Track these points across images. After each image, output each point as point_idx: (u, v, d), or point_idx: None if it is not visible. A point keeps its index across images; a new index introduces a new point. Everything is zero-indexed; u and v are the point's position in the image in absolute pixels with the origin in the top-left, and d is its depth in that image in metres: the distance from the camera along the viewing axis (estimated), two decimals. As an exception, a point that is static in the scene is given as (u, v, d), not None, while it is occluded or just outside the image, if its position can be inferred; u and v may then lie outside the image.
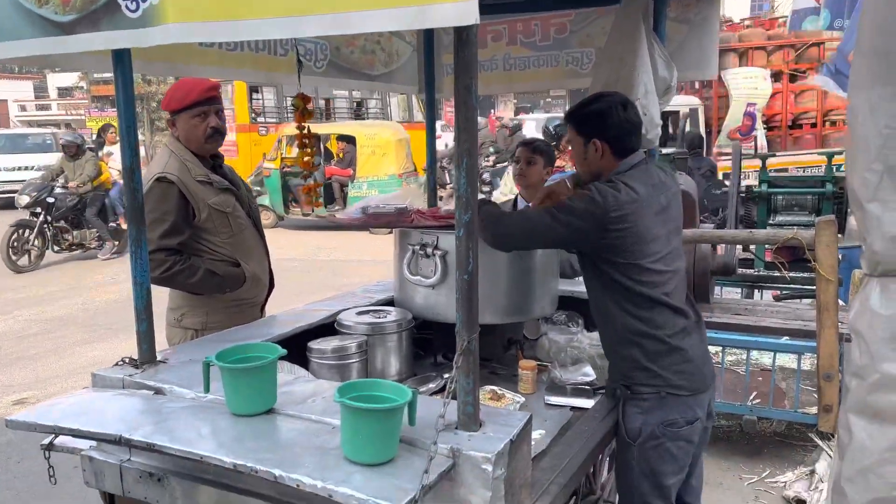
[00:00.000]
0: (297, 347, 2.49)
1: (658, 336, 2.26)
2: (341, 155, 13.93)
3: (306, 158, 2.96)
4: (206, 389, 1.82)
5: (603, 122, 2.32)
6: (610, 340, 2.38)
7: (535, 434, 2.21)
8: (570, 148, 2.46)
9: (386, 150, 13.11)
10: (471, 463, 1.57)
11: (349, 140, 13.65)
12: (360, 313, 2.71)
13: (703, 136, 7.85)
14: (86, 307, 8.36)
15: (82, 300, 8.70)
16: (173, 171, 2.81)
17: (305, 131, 2.94)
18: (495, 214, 2.33)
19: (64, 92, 41.43)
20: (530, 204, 2.80)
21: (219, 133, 2.90)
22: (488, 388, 2.42)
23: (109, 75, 2.11)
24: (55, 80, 42.02)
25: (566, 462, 2.04)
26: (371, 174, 13.10)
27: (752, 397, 4.34)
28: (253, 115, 15.72)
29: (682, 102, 10.64)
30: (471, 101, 1.57)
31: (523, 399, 2.38)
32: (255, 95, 15.97)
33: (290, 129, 18.31)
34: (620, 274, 2.24)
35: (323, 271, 9.77)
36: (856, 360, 1.38)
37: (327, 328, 2.68)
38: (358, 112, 18.52)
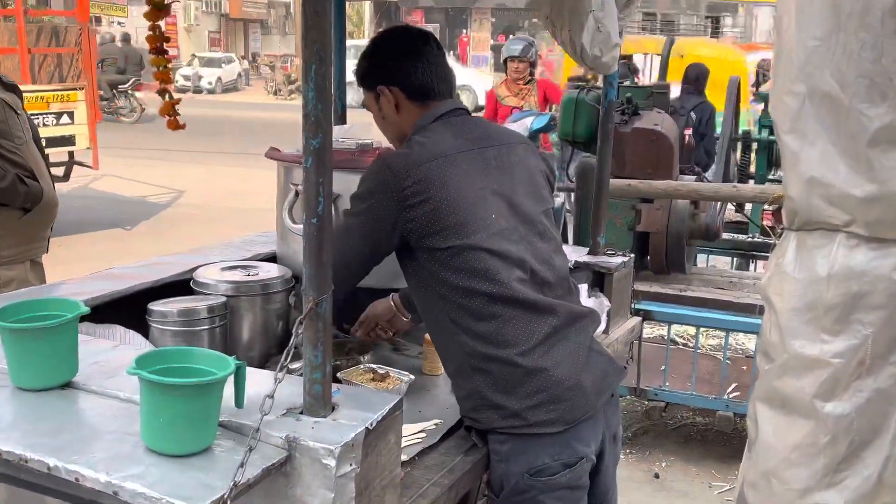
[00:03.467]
0: (140, 310, 2.42)
1: (506, 357, 1.96)
2: None
3: (161, 69, 2.84)
4: (-17, 356, 1.74)
5: (383, 62, 2.18)
6: (449, 370, 2.14)
7: (429, 424, 2.18)
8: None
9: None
10: (309, 456, 1.52)
11: None
12: (225, 269, 2.63)
13: (708, 71, 7.76)
14: None
15: None
16: None
17: (158, 33, 2.81)
18: None
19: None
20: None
21: None
22: (369, 366, 2.38)
23: None
24: None
25: (456, 460, 2.01)
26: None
27: (730, 389, 4.39)
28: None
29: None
30: (321, -10, 1.48)
31: (411, 379, 2.34)
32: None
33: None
34: (444, 266, 1.98)
35: (227, 222, 9.62)
36: (765, 336, 1.35)
37: (182, 287, 2.60)
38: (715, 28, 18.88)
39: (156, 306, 2.37)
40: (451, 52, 21.09)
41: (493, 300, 1.98)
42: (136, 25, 34.83)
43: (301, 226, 2.51)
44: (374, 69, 2.20)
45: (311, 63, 1.51)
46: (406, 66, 2.15)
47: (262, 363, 2.52)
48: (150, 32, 2.83)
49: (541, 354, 1.98)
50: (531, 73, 7.14)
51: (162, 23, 2.82)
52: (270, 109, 24.59)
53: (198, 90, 29.76)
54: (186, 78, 30.07)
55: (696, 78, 7.42)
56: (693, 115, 6.57)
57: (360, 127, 2.89)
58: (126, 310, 2.43)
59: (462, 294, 1.99)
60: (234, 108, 24.21)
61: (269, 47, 41.75)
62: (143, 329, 2.36)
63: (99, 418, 1.61)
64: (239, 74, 32.93)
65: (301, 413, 1.62)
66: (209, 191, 11.95)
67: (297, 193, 2.58)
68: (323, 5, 1.49)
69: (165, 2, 2.75)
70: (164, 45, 2.88)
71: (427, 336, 2.60)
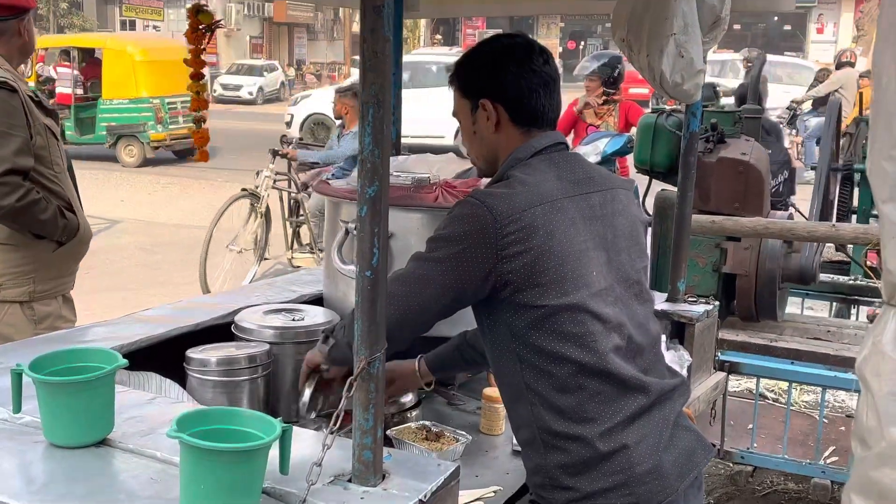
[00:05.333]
0: (178, 356, 2.50)
1: (584, 437, 1.94)
2: None
3: (200, 94, 2.95)
4: (16, 409, 1.83)
5: (495, 73, 2.11)
6: (520, 437, 2.11)
7: (487, 492, 2.22)
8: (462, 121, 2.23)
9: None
10: (358, 530, 1.57)
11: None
12: (268, 312, 2.71)
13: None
14: None
15: None
16: (11, 79, 3.01)
17: (200, 56, 2.92)
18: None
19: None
20: None
21: None
22: (421, 423, 2.43)
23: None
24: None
25: (517, 533, 2.04)
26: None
27: (827, 453, 4.32)
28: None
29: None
30: (381, 28, 1.55)
31: (468, 440, 2.38)
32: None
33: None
34: (534, 327, 1.95)
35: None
36: (861, 421, 1.37)
37: (223, 331, 2.69)
38: None
39: (195, 353, 2.45)
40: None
41: (582, 371, 1.95)
42: (173, 30, 35.88)
43: (351, 266, 2.62)
44: (482, 78, 2.14)
45: (369, 106, 1.58)
46: (521, 84, 2.10)
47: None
48: (191, 56, 2.94)
49: (621, 430, 1.96)
50: (608, 94, 7.15)
51: (222, 41, 2.92)
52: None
53: (234, 100, 30.25)
54: (225, 87, 30.72)
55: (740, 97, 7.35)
56: None
57: (416, 160, 2.96)
58: (162, 354, 2.53)
59: (548, 360, 1.96)
60: (275, 121, 24.57)
61: (316, 54, 42.49)
62: (180, 374, 2.45)
63: (135, 481, 1.68)
64: (282, 83, 33.54)
65: (349, 481, 1.67)
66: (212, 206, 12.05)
67: (347, 232, 2.65)
68: (383, 46, 1.57)
69: (215, 20, 2.84)
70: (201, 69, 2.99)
71: (486, 391, 2.64)
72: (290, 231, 8.80)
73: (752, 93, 5.23)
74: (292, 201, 8.73)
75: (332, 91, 19.44)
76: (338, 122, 8.66)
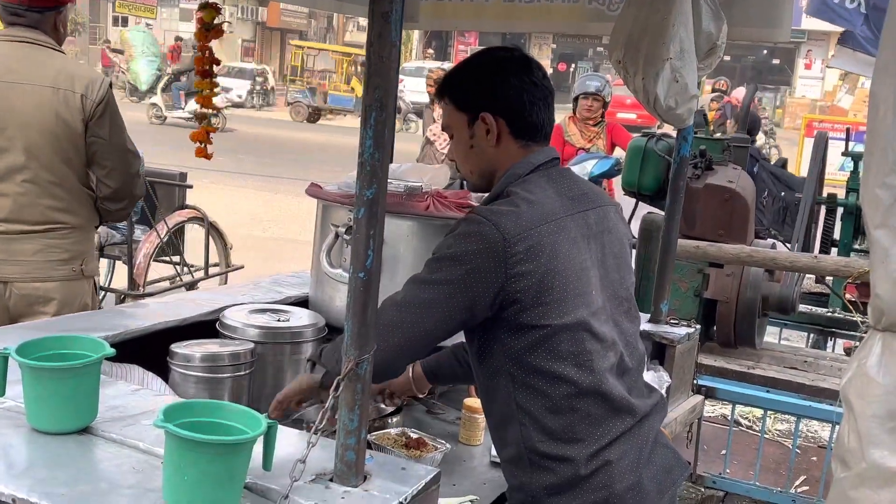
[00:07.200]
0: (162, 351, 2.50)
1: (571, 457, 1.93)
2: None
3: (206, 92, 2.95)
4: (1, 393, 1.83)
5: (495, 86, 2.07)
6: (504, 455, 2.08)
7: (464, 500, 2.23)
8: (451, 138, 2.19)
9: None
10: (338, 529, 1.58)
11: None
12: (254, 312, 2.72)
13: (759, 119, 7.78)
14: None
15: None
16: None
17: (208, 54, 2.93)
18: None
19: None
20: None
21: None
22: (401, 429, 2.44)
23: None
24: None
25: (493, 542, 2.06)
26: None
27: (798, 482, 4.36)
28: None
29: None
30: (389, 35, 1.57)
31: (447, 449, 2.39)
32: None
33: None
34: (532, 347, 1.92)
35: (253, 251, 9.77)
36: (843, 441, 1.40)
37: (207, 328, 2.69)
38: None
39: (179, 348, 2.45)
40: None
41: (578, 393, 1.93)
42: (165, 28, 35.77)
43: (339, 270, 2.64)
44: (482, 91, 2.09)
45: (372, 109, 1.60)
46: (523, 98, 2.07)
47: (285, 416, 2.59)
48: (199, 54, 2.94)
49: (607, 452, 1.95)
50: (602, 115, 7.10)
51: (214, 43, 2.93)
52: (302, 129, 24.89)
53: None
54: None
55: (751, 128, 7.44)
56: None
57: (409, 168, 2.98)
58: (146, 348, 2.53)
59: (544, 380, 1.93)
60: (261, 125, 24.55)
61: (307, 61, 42.45)
62: (163, 369, 2.45)
63: (117, 470, 1.68)
64: (272, 88, 33.40)
65: (331, 480, 1.68)
66: (230, 216, 12.11)
67: (336, 235, 2.66)
68: (389, 51, 1.58)
69: (215, 21, 2.86)
70: (212, 67, 2.99)
71: (466, 401, 2.66)
72: None
73: (741, 122, 5.29)
74: None
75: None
76: None
